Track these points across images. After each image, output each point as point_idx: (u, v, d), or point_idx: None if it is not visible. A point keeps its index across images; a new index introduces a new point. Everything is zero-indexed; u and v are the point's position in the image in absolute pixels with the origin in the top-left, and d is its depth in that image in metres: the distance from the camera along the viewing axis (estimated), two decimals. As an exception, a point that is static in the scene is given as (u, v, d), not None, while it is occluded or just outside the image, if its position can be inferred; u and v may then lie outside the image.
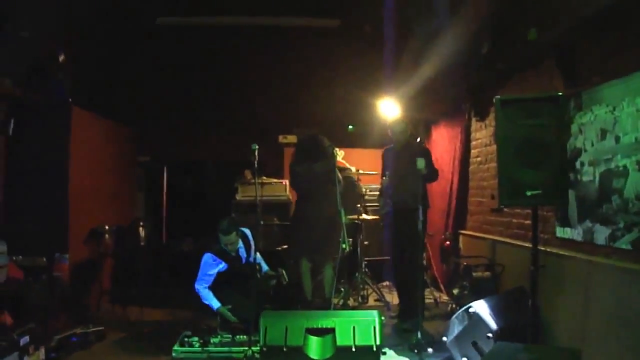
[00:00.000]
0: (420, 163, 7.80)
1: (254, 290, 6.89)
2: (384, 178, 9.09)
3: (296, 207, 8.83)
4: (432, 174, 8.42)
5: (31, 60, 7.71)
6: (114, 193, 10.79)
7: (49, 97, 8.56)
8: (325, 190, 8.51)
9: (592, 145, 6.11)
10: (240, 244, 7.93)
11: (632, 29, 5.61)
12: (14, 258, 7.68)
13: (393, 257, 8.93)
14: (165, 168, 13.03)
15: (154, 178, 13.08)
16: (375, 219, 10.26)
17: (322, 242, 8.49)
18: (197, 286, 7.67)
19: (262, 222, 8.37)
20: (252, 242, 8.02)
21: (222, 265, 7.74)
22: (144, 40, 11.49)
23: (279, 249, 9.94)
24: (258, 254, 7.91)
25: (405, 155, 8.32)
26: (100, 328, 8.14)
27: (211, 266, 7.69)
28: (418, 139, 8.50)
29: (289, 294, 8.54)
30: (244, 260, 7.93)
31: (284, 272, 8.17)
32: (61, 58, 8.31)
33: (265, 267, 8.27)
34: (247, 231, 8.11)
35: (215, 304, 7.54)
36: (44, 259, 8.23)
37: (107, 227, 9.73)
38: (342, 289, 9.75)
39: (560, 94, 5.85)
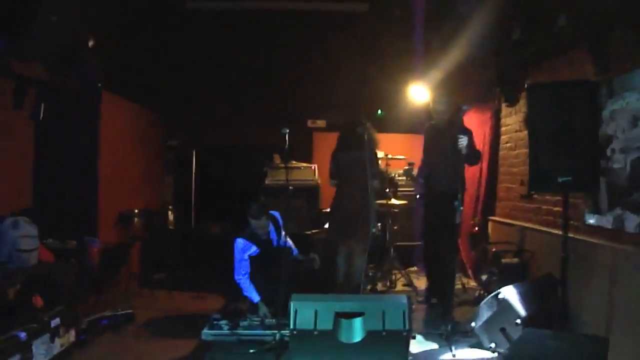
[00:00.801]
0: (463, 141, 7.72)
1: (285, 274, 6.90)
2: (407, 167, 9.11)
3: (336, 194, 8.81)
4: (474, 155, 8.32)
5: (61, 46, 7.74)
6: (143, 177, 10.86)
7: (79, 81, 8.61)
8: (363, 177, 8.51)
9: (624, 132, 6.04)
10: (271, 227, 7.94)
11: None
12: (45, 241, 7.76)
13: (425, 242, 8.92)
14: (194, 152, 13.07)
15: (183, 162, 13.13)
16: (405, 203, 10.25)
17: (357, 228, 8.48)
18: (237, 277, 7.60)
19: (291, 206, 8.37)
20: (282, 225, 8.01)
21: (254, 249, 7.74)
22: (173, 24, 11.52)
23: (308, 232, 9.95)
24: (288, 238, 7.91)
25: (447, 135, 8.23)
26: (130, 311, 8.21)
27: (244, 251, 7.67)
28: (464, 109, 8.34)
29: (319, 278, 8.56)
30: (275, 243, 7.93)
31: (316, 256, 8.18)
32: (91, 43, 8.34)
33: (295, 250, 8.28)
34: (277, 214, 8.06)
35: (256, 297, 7.52)
36: (74, 242, 8.31)
37: (136, 211, 9.80)
38: (371, 274, 9.77)
39: (592, 80, 5.81)
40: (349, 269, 8.75)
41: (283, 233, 7.75)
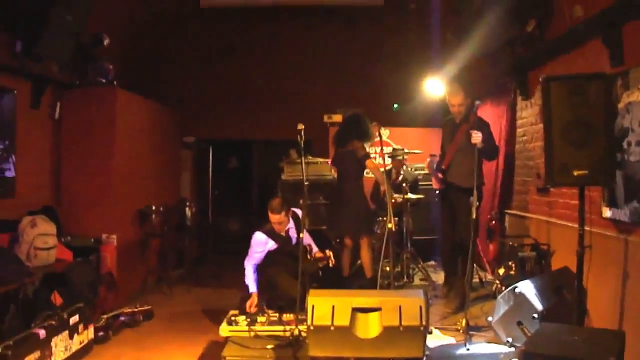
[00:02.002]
0: (477, 137, 7.65)
1: (304, 271, 6.91)
2: (428, 159, 9.08)
3: (335, 187, 8.93)
4: (491, 150, 8.27)
5: (76, 45, 7.80)
6: (160, 174, 10.89)
7: (94, 80, 8.66)
8: (358, 171, 8.59)
9: (639, 125, 6.03)
10: (292, 224, 7.97)
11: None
12: (63, 239, 7.82)
13: (442, 236, 8.95)
14: (211, 148, 13.09)
15: (200, 158, 13.15)
16: (421, 197, 10.24)
17: (353, 222, 8.59)
18: (245, 263, 7.69)
19: (308, 202, 8.40)
20: (302, 220, 7.96)
21: (272, 244, 7.78)
22: (188, 21, 11.57)
23: (325, 228, 9.98)
24: (307, 234, 7.92)
25: (462, 129, 8.23)
26: (148, 307, 8.27)
27: (260, 244, 7.72)
28: (477, 104, 8.23)
29: (335, 274, 8.60)
30: (293, 241, 7.96)
31: (331, 254, 8.19)
32: (106, 42, 8.39)
33: (315, 248, 8.29)
34: (299, 212, 8.10)
35: (253, 287, 7.56)
36: (92, 240, 8.37)
37: (153, 208, 9.85)
38: (388, 268, 9.77)
39: (607, 72, 5.79)
40: (360, 265, 8.85)
41: (304, 230, 7.76)
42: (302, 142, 7.09)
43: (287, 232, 7.93)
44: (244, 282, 7.64)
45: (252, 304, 7.35)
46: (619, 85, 6.29)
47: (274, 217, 7.68)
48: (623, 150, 6.22)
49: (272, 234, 7.76)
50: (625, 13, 6.16)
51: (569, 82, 5.74)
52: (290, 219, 7.96)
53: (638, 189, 6.06)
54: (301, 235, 7.23)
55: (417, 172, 11.44)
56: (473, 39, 8.88)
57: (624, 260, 6.15)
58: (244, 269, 7.69)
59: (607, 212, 6.66)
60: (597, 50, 6.76)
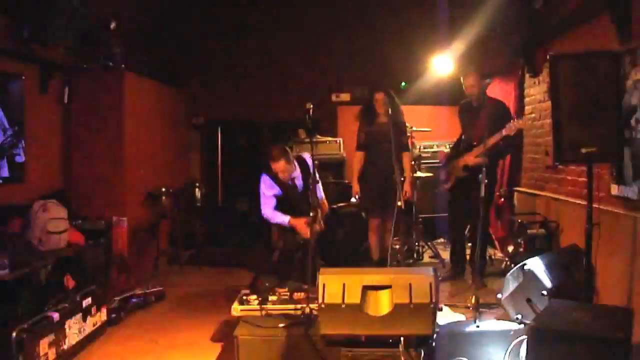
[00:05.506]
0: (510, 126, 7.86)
1: (311, 223, 6.88)
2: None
3: (363, 167, 8.73)
4: (509, 147, 8.28)
5: (83, 29, 7.80)
6: (170, 155, 10.93)
7: (102, 64, 8.67)
8: (388, 148, 8.44)
9: (647, 102, 6.03)
10: (297, 172, 7.90)
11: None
12: (74, 223, 7.85)
13: (451, 213, 8.97)
14: (219, 129, 13.09)
15: (208, 139, 13.15)
16: (430, 176, 10.21)
17: (383, 200, 8.46)
18: (263, 211, 7.71)
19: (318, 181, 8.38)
20: (312, 170, 7.49)
21: (277, 190, 7.76)
22: (195, 2, 11.55)
23: (335, 206, 9.98)
24: (319, 187, 7.87)
25: (483, 114, 8.20)
26: (160, 288, 8.32)
27: (269, 187, 7.70)
28: (487, 82, 8.16)
29: (346, 251, 8.61)
30: (299, 189, 7.93)
31: (318, 213, 7.95)
32: (112, 25, 8.39)
33: (325, 203, 8.25)
34: (307, 157, 7.99)
35: (285, 218, 7.59)
36: (103, 223, 8.41)
37: (163, 190, 9.88)
38: (397, 247, 9.77)
39: (615, 50, 5.78)
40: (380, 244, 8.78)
41: (312, 178, 7.34)
42: (311, 122, 7.07)
43: (292, 179, 7.88)
44: (272, 228, 7.66)
45: (302, 223, 7.44)
46: (627, 62, 6.27)
47: (276, 166, 7.63)
48: (631, 127, 6.22)
49: (276, 179, 7.73)
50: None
51: (577, 60, 5.74)
52: (297, 165, 7.92)
53: (646, 166, 6.06)
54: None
55: (426, 150, 11.45)
56: (481, 16, 8.86)
57: (632, 237, 6.16)
58: (266, 218, 7.76)
59: (615, 190, 6.66)
60: (605, 27, 6.74)
